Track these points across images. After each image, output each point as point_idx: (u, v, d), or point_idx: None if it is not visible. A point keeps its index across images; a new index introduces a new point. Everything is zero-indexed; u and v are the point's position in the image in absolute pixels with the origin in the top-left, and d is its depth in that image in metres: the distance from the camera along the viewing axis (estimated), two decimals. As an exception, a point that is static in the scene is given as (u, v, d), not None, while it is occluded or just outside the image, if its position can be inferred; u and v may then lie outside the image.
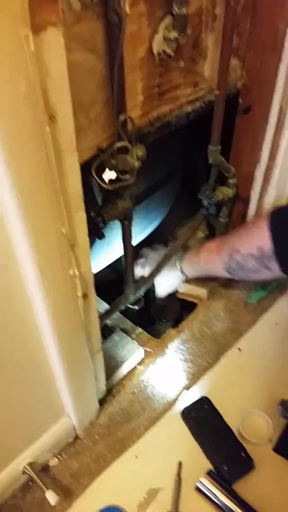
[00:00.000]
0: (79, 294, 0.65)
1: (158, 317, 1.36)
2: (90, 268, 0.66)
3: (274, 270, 0.85)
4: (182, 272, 1.03)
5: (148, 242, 1.25)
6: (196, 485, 0.80)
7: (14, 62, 0.39)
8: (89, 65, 0.59)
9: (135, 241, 1.14)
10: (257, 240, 0.84)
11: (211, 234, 1.26)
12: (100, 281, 1.21)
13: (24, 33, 0.39)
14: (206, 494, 0.79)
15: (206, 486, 0.79)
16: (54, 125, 0.47)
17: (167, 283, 1.11)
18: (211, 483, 0.80)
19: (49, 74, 0.44)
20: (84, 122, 0.63)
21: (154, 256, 1.10)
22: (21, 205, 0.47)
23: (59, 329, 0.64)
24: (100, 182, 0.65)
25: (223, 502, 0.77)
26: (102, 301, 1.13)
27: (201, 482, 0.80)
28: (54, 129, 0.47)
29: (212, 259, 0.95)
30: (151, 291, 1.31)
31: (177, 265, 1.03)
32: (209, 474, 0.81)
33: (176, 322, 1.17)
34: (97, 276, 1.09)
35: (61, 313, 0.63)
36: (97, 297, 1.13)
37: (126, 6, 0.54)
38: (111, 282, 1.25)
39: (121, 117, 0.63)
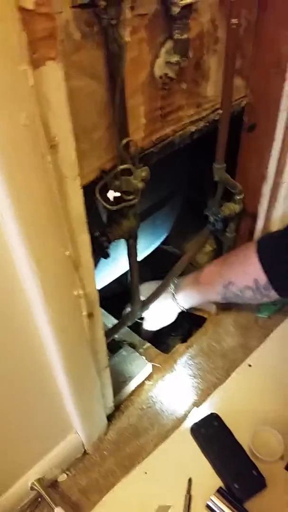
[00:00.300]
0: (84, 313, 0.66)
1: (166, 332, 1.37)
2: (95, 288, 0.68)
3: (272, 297, 0.86)
4: (178, 304, 1.02)
5: (155, 257, 1.27)
6: (207, 503, 0.80)
7: (13, 96, 0.41)
8: (90, 90, 0.61)
9: (141, 256, 1.15)
10: (250, 273, 0.86)
11: (219, 248, 1.26)
12: (108, 295, 1.23)
13: (23, 68, 0.40)
14: None
15: (217, 505, 0.79)
16: (55, 154, 0.49)
17: (160, 316, 1.08)
18: (222, 502, 0.79)
19: (49, 105, 0.46)
20: (87, 146, 0.64)
21: (147, 286, 1.08)
22: (24, 233, 0.49)
23: (65, 348, 0.66)
24: (104, 203, 0.66)
25: None
26: (109, 315, 1.14)
27: (212, 500, 0.80)
28: (55, 158, 0.49)
29: (207, 292, 0.96)
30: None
31: (172, 297, 1.02)
32: (220, 492, 0.81)
33: (185, 337, 1.17)
34: (104, 290, 1.12)
35: (66, 333, 0.64)
36: (104, 312, 1.15)
37: (126, 35, 0.56)
38: (118, 296, 1.26)
39: (124, 141, 0.65)
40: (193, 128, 0.82)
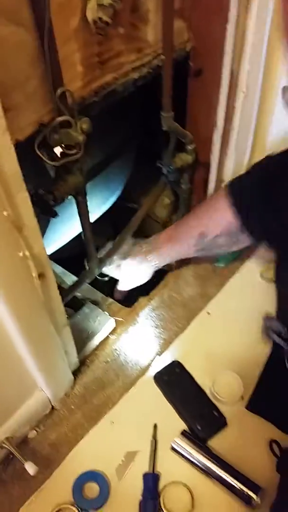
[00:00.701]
0: (34, 274, 0.65)
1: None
2: (43, 248, 0.66)
3: (246, 241, 0.86)
4: (152, 263, 1.00)
5: (113, 211, 1.25)
6: (171, 445, 0.83)
7: None
8: (18, 39, 0.57)
9: (99, 212, 1.14)
10: (223, 219, 0.85)
11: (177, 200, 1.26)
12: (68, 254, 1.22)
13: None
14: (181, 453, 0.83)
15: (181, 445, 0.83)
16: (-23, 108, 0.46)
17: (135, 276, 1.05)
18: (186, 442, 0.83)
19: None
20: (21, 99, 0.61)
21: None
22: None
23: (17, 310, 0.65)
24: (44, 158, 0.64)
25: (198, 459, 0.81)
26: (70, 274, 1.14)
27: (176, 442, 0.83)
28: (-22, 112, 0.46)
29: (181, 246, 0.95)
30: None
31: (146, 256, 0.99)
32: (184, 434, 0.85)
33: (148, 290, 1.19)
34: (64, 249, 1.11)
35: (16, 294, 0.64)
36: (65, 271, 1.15)
37: (47, -25, 0.53)
38: (81, 254, 1.25)
39: (59, 91, 0.62)
40: (135, 75, 0.79)
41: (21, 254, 0.60)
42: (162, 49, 0.81)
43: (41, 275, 0.67)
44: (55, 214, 0.74)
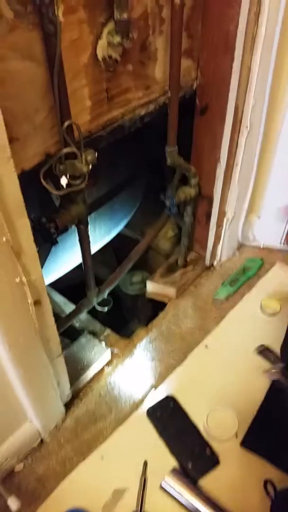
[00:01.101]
0: (30, 301, 0.65)
1: (130, 318, 1.38)
2: (41, 275, 0.67)
3: None
4: None
5: (119, 242, 1.26)
6: (161, 484, 0.81)
7: None
8: (30, 73, 0.59)
9: (102, 242, 1.14)
10: None
11: (180, 233, 1.27)
12: (71, 283, 1.22)
13: None
14: (171, 493, 0.80)
15: (170, 485, 0.80)
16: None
17: None
18: (176, 482, 0.80)
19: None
20: (29, 129, 0.63)
21: None
22: None
23: (10, 336, 0.64)
24: (48, 187, 0.65)
25: (187, 500, 0.78)
26: (71, 304, 1.13)
27: (165, 482, 0.81)
28: (-16, 141, 0.47)
29: None
30: (121, 292, 1.32)
31: None
32: (174, 472, 0.82)
33: (149, 322, 1.18)
34: (66, 278, 1.11)
35: (10, 320, 0.63)
36: (66, 300, 1.14)
37: (59, 14, 0.55)
38: (82, 284, 1.25)
39: (66, 123, 0.64)
40: (142, 111, 0.81)
41: (17, 280, 0.60)
42: (169, 87, 0.83)
43: (37, 302, 0.67)
44: (55, 242, 0.74)
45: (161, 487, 0.80)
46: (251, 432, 0.88)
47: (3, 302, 0.60)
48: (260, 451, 0.85)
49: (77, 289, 1.19)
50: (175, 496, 0.79)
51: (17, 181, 0.55)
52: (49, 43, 0.58)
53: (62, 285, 1.16)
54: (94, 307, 1.05)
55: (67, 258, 1.05)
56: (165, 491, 0.80)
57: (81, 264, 1.11)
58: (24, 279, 0.61)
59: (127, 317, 1.38)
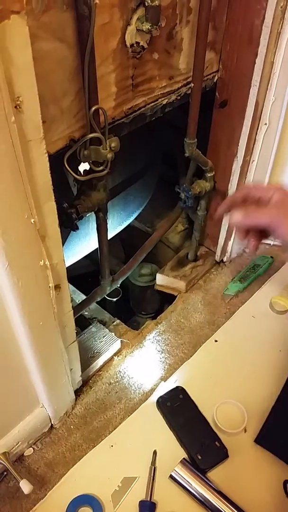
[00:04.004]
0: (51, 285, 0.65)
1: (137, 310, 1.38)
2: (63, 260, 0.67)
3: None
4: None
5: (127, 234, 1.26)
6: (171, 474, 0.81)
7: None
8: (60, 55, 0.59)
9: (113, 233, 1.15)
10: None
11: (191, 227, 1.27)
12: (79, 273, 1.22)
13: (-15, 20, 0.39)
14: (180, 483, 0.80)
15: (180, 475, 0.81)
16: (19, 115, 0.47)
17: None
18: (185, 472, 0.81)
19: (14, 63, 0.44)
20: (56, 112, 0.63)
21: None
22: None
23: (31, 320, 0.65)
24: (71, 172, 0.65)
25: (196, 489, 0.79)
26: (80, 292, 1.14)
27: (175, 471, 0.81)
28: (20, 119, 0.47)
29: None
30: (130, 283, 1.32)
31: None
32: (183, 462, 0.82)
33: (156, 315, 1.18)
34: (75, 267, 1.11)
35: (32, 304, 0.63)
36: (75, 289, 1.15)
37: (95, -3, 0.55)
38: (89, 274, 1.25)
39: (93, 108, 0.63)
40: (164, 101, 0.81)
41: (41, 263, 0.61)
42: (192, 78, 0.83)
43: (57, 287, 0.67)
44: (76, 228, 0.74)
45: (171, 477, 0.81)
46: (266, 430, 0.87)
47: (26, 284, 0.60)
48: (274, 450, 0.84)
49: (84, 279, 1.19)
50: (185, 486, 0.79)
51: (47, 163, 0.55)
52: (82, 26, 0.58)
53: (70, 275, 1.16)
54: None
55: (79, 247, 1.05)
56: (175, 480, 0.80)
57: (89, 254, 1.12)
58: (47, 262, 0.61)
59: (134, 309, 1.39)
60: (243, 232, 0.69)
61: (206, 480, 0.80)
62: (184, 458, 0.83)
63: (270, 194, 0.66)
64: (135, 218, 1.26)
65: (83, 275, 1.26)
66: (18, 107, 0.46)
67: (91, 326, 1.04)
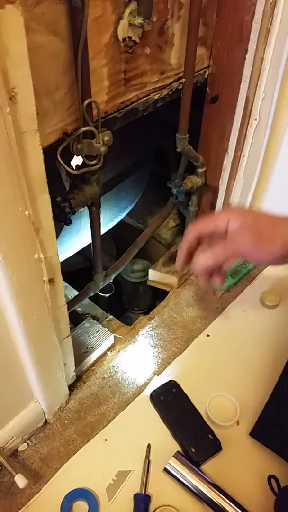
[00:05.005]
0: (45, 279, 0.65)
1: (130, 305, 1.38)
2: (57, 253, 0.67)
3: None
4: None
5: (118, 230, 1.26)
6: (165, 467, 0.81)
7: None
8: (53, 48, 0.59)
9: (105, 229, 1.15)
10: None
11: (182, 223, 1.28)
12: (71, 269, 1.22)
13: (-20, 10, 0.39)
14: (175, 475, 0.81)
15: (174, 468, 0.81)
16: (14, 106, 0.47)
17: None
18: (179, 465, 0.81)
19: (9, 53, 0.44)
20: (49, 105, 0.63)
21: None
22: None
23: (25, 313, 0.64)
24: (65, 166, 0.65)
25: (191, 482, 0.79)
26: (72, 288, 1.14)
27: (169, 464, 0.81)
28: (14, 110, 0.47)
29: None
30: (122, 279, 1.32)
31: None
32: (177, 456, 0.83)
33: (148, 311, 1.19)
34: (67, 263, 1.11)
35: (27, 298, 0.63)
36: (68, 285, 1.14)
37: (88, -10, 0.55)
38: (81, 270, 1.25)
39: (86, 101, 0.64)
40: (156, 96, 0.82)
41: (36, 256, 0.61)
42: (184, 73, 0.84)
43: (51, 281, 0.67)
44: (69, 222, 0.74)
45: (165, 470, 0.81)
46: (261, 423, 0.88)
47: (21, 278, 0.60)
48: (269, 444, 0.85)
49: (77, 275, 1.20)
50: (179, 478, 0.80)
51: (42, 155, 0.55)
52: (74, 18, 0.58)
53: (62, 271, 1.16)
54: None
55: (71, 242, 1.05)
56: (169, 473, 0.81)
57: (81, 250, 1.12)
58: (41, 256, 0.61)
59: (127, 305, 1.39)
60: (208, 274, 0.64)
61: (200, 473, 0.81)
62: (178, 451, 0.84)
63: (224, 223, 0.61)
64: (127, 214, 1.26)
65: (75, 271, 1.26)
66: (13, 98, 0.46)
67: (84, 322, 1.04)
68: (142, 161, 1.15)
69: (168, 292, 1.18)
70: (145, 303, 1.38)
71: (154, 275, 1.20)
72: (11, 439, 0.81)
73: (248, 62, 0.87)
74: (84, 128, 0.66)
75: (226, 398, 0.91)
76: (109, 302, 1.28)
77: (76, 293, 1.11)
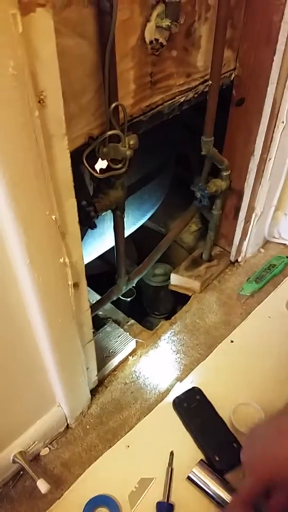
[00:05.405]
0: (70, 283, 0.64)
1: (150, 310, 1.37)
2: (82, 257, 0.66)
3: None
4: None
5: (140, 235, 1.26)
6: (188, 475, 0.80)
7: (2, 41, 0.39)
8: (80, 51, 0.59)
9: (127, 232, 1.14)
10: None
11: (205, 227, 1.26)
12: (92, 273, 1.22)
13: (12, 12, 0.38)
14: (198, 484, 0.79)
15: (198, 476, 0.79)
16: (43, 110, 0.47)
17: None
18: (203, 473, 0.80)
19: (38, 56, 0.44)
20: (75, 109, 0.62)
21: None
22: (10, 191, 0.47)
23: (50, 318, 0.64)
24: (90, 169, 0.65)
25: (214, 491, 0.78)
26: (94, 292, 1.13)
27: (193, 472, 0.80)
28: (43, 114, 0.47)
29: None
30: (143, 283, 1.31)
31: None
32: (201, 464, 0.81)
33: (170, 315, 1.17)
34: (89, 267, 1.10)
35: (52, 302, 0.63)
36: (89, 289, 1.14)
37: (117, -8, 0.54)
38: (103, 274, 1.25)
39: (113, 105, 0.63)
40: (182, 98, 0.81)
41: (61, 260, 0.60)
42: (210, 76, 0.82)
43: (75, 285, 0.67)
44: (94, 226, 0.74)
45: (189, 478, 0.80)
46: None
47: (47, 281, 0.59)
48: None
49: (98, 279, 1.19)
50: (203, 487, 0.78)
51: (69, 159, 0.54)
52: (102, 21, 0.57)
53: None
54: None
55: (94, 246, 1.05)
56: (193, 482, 0.79)
57: (102, 254, 1.11)
58: (67, 260, 0.61)
59: (147, 309, 1.38)
60: None
61: (224, 482, 0.79)
62: (201, 460, 0.82)
63: None
64: (148, 219, 1.25)
65: (97, 275, 1.26)
66: (41, 101, 0.46)
67: (106, 326, 1.03)
68: (165, 165, 1.14)
69: (190, 297, 1.17)
70: (166, 307, 1.37)
71: (176, 280, 1.18)
72: (33, 443, 0.81)
73: (276, 63, 0.85)
74: (110, 132, 0.65)
75: (251, 406, 0.90)
76: (130, 306, 1.28)
77: (98, 296, 1.10)
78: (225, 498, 0.76)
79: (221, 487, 0.78)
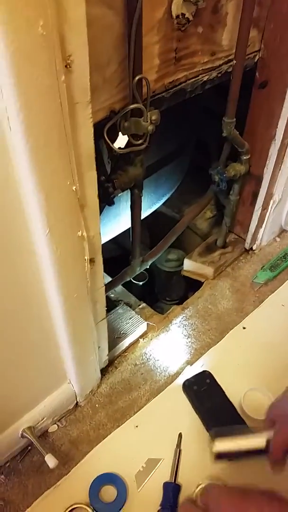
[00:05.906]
0: (87, 257, 0.64)
1: (162, 295, 1.37)
2: (99, 233, 0.66)
3: None
4: None
5: (153, 219, 1.25)
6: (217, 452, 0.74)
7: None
8: (107, 21, 0.58)
9: (144, 214, 1.13)
10: None
11: (220, 214, 1.25)
12: (105, 256, 1.21)
13: None
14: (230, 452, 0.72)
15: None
16: (69, 75, 0.46)
17: None
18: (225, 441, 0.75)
19: (67, 19, 0.43)
20: (99, 81, 0.61)
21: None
22: (33, 156, 0.46)
23: (66, 292, 0.64)
24: (111, 144, 0.64)
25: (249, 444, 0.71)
26: (106, 275, 1.13)
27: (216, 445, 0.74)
28: (69, 79, 0.46)
29: None
30: (155, 268, 1.31)
31: None
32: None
33: (181, 302, 1.17)
34: (102, 249, 1.10)
35: (68, 276, 0.63)
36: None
37: None
38: (116, 258, 1.24)
39: (137, 77, 0.62)
40: (205, 77, 0.79)
41: (79, 233, 0.60)
42: (235, 55, 0.81)
43: (92, 260, 0.66)
44: (112, 203, 0.73)
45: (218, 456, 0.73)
46: None
47: (64, 254, 0.59)
48: None
49: (110, 262, 1.18)
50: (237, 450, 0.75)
51: (92, 129, 0.53)
52: (131, -9, 0.56)
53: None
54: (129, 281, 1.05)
55: (110, 227, 1.04)
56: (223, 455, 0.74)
57: (115, 237, 1.11)
58: (85, 234, 0.60)
59: (159, 295, 1.37)
60: None
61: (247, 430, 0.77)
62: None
63: None
64: (163, 203, 1.24)
65: (110, 258, 1.25)
66: (68, 66, 0.45)
67: (117, 308, 1.03)
68: (184, 148, 1.13)
69: (202, 283, 1.16)
70: (177, 293, 1.36)
71: (189, 265, 1.18)
72: (42, 419, 0.81)
73: (301, 45, 0.83)
74: (133, 106, 0.64)
75: (262, 392, 0.89)
76: (142, 290, 1.27)
77: (110, 279, 1.10)
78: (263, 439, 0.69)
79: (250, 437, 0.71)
